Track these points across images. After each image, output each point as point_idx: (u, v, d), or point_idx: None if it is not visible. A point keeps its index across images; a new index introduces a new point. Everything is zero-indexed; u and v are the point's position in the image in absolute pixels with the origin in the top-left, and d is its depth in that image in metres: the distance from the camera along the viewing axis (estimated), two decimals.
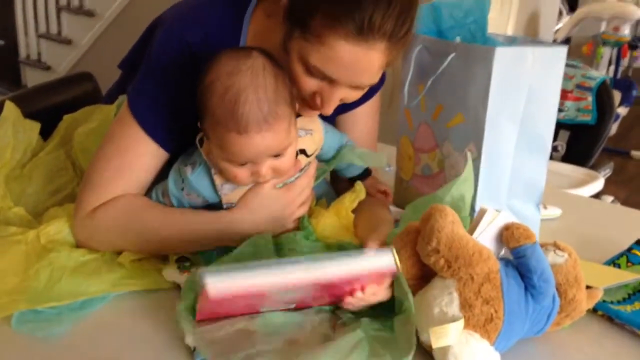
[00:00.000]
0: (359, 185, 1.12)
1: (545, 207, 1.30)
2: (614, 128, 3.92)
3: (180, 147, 1.05)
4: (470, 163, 0.98)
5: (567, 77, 2.99)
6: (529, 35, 4.13)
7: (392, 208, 1.23)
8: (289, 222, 1.02)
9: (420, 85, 1.19)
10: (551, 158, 1.21)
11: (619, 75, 4.83)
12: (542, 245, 0.86)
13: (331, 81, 0.95)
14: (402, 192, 1.33)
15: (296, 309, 0.90)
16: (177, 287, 0.95)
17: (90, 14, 4.32)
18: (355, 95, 1.00)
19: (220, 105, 0.90)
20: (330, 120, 1.15)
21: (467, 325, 0.80)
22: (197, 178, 1.00)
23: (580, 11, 4.44)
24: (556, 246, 0.88)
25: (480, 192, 1.09)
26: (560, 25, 4.78)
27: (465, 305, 0.80)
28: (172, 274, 0.96)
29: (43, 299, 0.89)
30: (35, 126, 1.25)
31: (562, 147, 3.07)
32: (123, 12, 4.15)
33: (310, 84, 0.97)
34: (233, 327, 0.85)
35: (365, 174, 1.18)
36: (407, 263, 0.87)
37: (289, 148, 0.96)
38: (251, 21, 1.06)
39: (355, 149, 1.14)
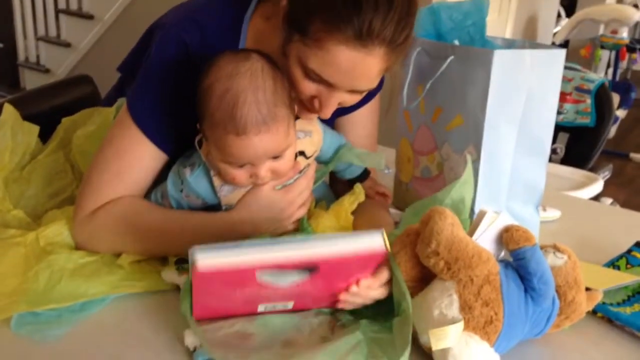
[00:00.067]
0: (358, 187, 1.12)
1: (544, 209, 1.30)
2: (612, 130, 3.93)
3: (180, 150, 1.05)
4: (470, 165, 0.98)
5: (565, 80, 2.99)
6: (528, 38, 4.14)
7: (392, 210, 1.23)
8: (288, 224, 1.02)
9: (419, 88, 1.20)
10: (550, 160, 1.22)
11: (617, 78, 4.84)
12: (541, 247, 0.86)
13: (329, 85, 0.95)
14: (401, 195, 1.33)
15: (294, 311, 0.90)
16: (176, 288, 0.95)
17: (89, 16, 4.32)
18: (354, 99, 1.00)
19: (219, 107, 0.90)
20: (330, 122, 1.15)
21: (467, 327, 0.80)
22: (196, 179, 1.00)
23: (579, 14, 4.45)
24: (556, 248, 0.88)
25: (480, 194, 1.09)
26: (558, 28, 4.79)
27: (465, 307, 0.80)
28: (170, 275, 0.96)
29: (42, 301, 0.89)
30: (34, 129, 1.25)
31: (561, 150, 3.07)
32: (122, 15, 4.15)
33: (308, 87, 0.97)
34: (231, 328, 0.85)
35: (364, 175, 1.18)
36: (407, 265, 0.87)
37: (287, 150, 0.96)
38: (250, 24, 1.06)
39: (353, 149, 1.14)
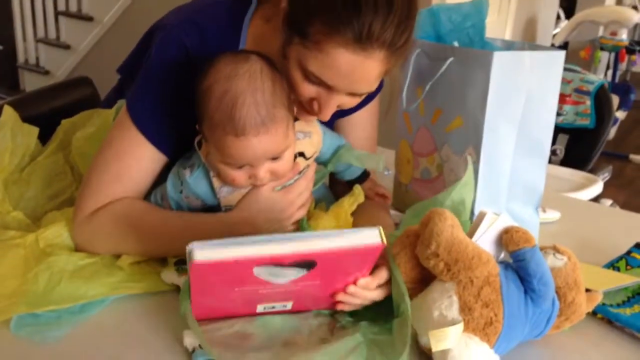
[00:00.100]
0: (358, 189, 1.12)
1: (544, 211, 1.30)
2: (612, 132, 3.93)
3: (180, 151, 1.05)
4: (471, 167, 0.98)
5: (565, 81, 2.99)
6: (527, 39, 4.15)
7: (392, 212, 1.23)
8: (288, 225, 1.02)
9: (418, 89, 1.20)
10: (550, 162, 1.22)
11: (617, 80, 4.84)
12: (541, 249, 0.86)
13: (329, 88, 0.95)
14: (401, 196, 1.33)
15: (294, 312, 0.90)
16: (176, 289, 0.95)
17: (88, 18, 4.33)
18: (353, 102, 1.00)
19: (218, 108, 0.90)
20: (329, 124, 1.15)
21: (467, 328, 0.80)
22: (195, 181, 1.00)
23: (578, 16, 4.45)
24: (555, 249, 0.88)
25: (479, 196, 1.09)
26: (558, 29, 4.79)
27: (465, 309, 0.80)
28: (170, 276, 0.96)
29: (42, 303, 0.89)
30: (34, 130, 1.25)
31: (560, 151, 3.07)
32: (121, 17, 4.16)
33: (308, 89, 0.97)
34: (231, 328, 0.86)
35: (364, 176, 1.18)
36: (407, 266, 0.87)
37: (286, 151, 0.96)
38: (250, 26, 1.06)
39: (352, 150, 1.14)
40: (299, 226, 1.04)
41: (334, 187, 1.25)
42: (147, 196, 1.06)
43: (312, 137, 1.06)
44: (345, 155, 1.12)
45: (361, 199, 1.11)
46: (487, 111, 1.06)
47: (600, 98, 2.99)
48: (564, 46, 4.52)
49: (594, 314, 0.95)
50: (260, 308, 0.87)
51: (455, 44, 1.16)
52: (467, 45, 1.17)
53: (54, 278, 0.93)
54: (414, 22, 0.93)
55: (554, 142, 3.02)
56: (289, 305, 0.88)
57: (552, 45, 4.36)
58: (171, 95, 1.02)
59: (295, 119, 1.00)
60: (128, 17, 4.11)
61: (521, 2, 3.83)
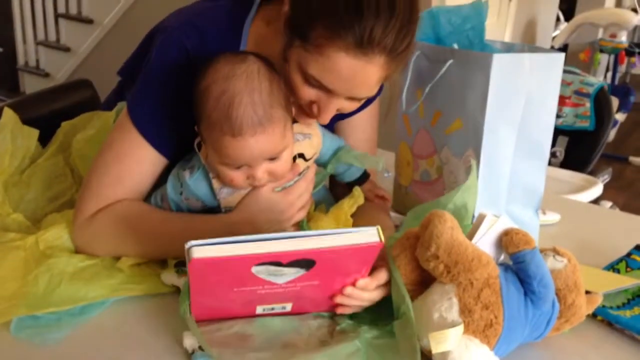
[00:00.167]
0: (357, 191, 1.12)
1: (544, 213, 1.30)
2: (612, 134, 3.93)
3: (180, 153, 1.05)
4: (474, 171, 0.97)
5: (565, 84, 2.99)
6: (527, 42, 4.15)
7: (392, 214, 1.23)
8: (287, 226, 1.02)
9: (418, 92, 1.20)
10: (550, 164, 1.21)
11: (616, 82, 4.84)
12: (541, 251, 0.86)
13: (329, 92, 0.95)
14: (401, 198, 1.33)
15: (293, 314, 0.90)
16: (176, 291, 0.96)
17: (88, 21, 4.33)
18: (352, 106, 1.00)
19: (215, 108, 0.90)
20: (329, 127, 1.15)
21: (467, 330, 0.80)
22: (195, 182, 1.00)
23: (578, 18, 4.45)
24: (555, 251, 0.88)
25: (479, 198, 1.08)
26: (557, 32, 4.79)
27: (465, 311, 0.80)
28: (170, 277, 0.96)
29: (42, 305, 0.89)
30: (34, 133, 1.25)
31: (560, 153, 3.07)
32: (121, 20, 4.16)
33: (308, 93, 0.97)
34: (230, 329, 0.86)
35: (364, 178, 1.18)
36: (407, 268, 0.87)
37: (284, 151, 0.96)
38: (251, 28, 1.06)
39: (352, 151, 1.14)
40: (299, 228, 1.04)
41: (334, 189, 1.25)
42: (147, 198, 1.06)
43: (312, 139, 1.06)
44: (345, 155, 1.13)
45: (361, 200, 1.11)
46: (487, 113, 1.06)
47: (600, 100, 2.99)
48: (564, 48, 4.52)
49: (594, 316, 0.95)
50: (259, 309, 0.87)
51: (455, 46, 1.16)
52: (466, 48, 1.17)
53: (54, 280, 0.93)
54: (416, 27, 0.93)
55: (553, 144, 3.02)
56: (288, 307, 0.88)
57: (552, 47, 4.36)
58: (171, 98, 1.02)
59: (295, 121, 1.00)
60: (128, 19, 4.11)
61: (521, 4, 3.84)
